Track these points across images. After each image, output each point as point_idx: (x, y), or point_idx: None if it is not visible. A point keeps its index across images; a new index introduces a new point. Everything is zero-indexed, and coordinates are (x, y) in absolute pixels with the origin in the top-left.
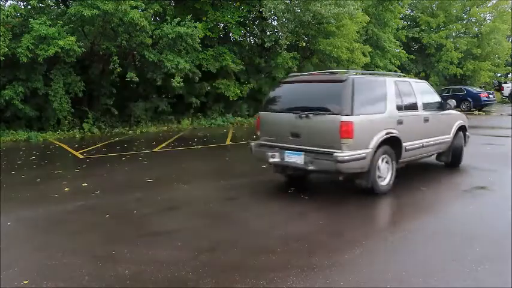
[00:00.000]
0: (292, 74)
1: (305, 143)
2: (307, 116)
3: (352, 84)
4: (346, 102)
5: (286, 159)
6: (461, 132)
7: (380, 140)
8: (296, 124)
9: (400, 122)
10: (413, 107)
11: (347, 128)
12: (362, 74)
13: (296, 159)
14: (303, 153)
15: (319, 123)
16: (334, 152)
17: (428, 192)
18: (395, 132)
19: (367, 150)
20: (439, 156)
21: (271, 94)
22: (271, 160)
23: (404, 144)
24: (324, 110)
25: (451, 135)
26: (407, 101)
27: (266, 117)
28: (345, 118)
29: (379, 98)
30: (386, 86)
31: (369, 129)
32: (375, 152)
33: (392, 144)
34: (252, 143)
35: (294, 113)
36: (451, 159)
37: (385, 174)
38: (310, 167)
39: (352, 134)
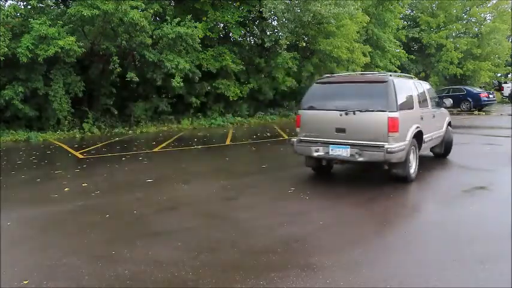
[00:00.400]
0: (327, 76)
1: (351, 137)
2: (354, 113)
3: (393, 84)
4: (391, 100)
5: (331, 152)
6: (449, 127)
7: (413, 133)
8: (341, 120)
9: (422, 118)
10: (426, 105)
11: (394, 123)
12: (395, 76)
13: (341, 152)
14: (349, 146)
15: (366, 119)
16: (384, 144)
17: (428, 192)
18: (420, 127)
19: (406, 142)
20: (432, 148)
21: (310, 94)
22: (315, 154)
23: (423, 136)
24: (371, 108)
25: (444, 129)
26: (423, 99)
27: (308, 115)
28: (391, 114)
29: (409, 96)
30: (411, 86)
31: (406, 124)
32: (410, 143)
33: (417, 137)
34: (293, 139)
35: (339, 110)
36: (443, 151)
37: (412, 163)
38: (360, 159)
39: (398, 128)
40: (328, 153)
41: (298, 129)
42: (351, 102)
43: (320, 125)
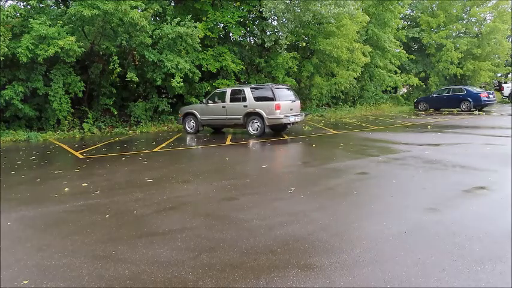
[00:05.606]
0: (272, 83)
1: (295, 112)
2: (295, 101)
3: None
4: (296, 96)
5: (290, 119)
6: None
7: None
8: (291, 105)
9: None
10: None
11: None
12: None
13: (293, 119)
14: (294, 116)
15: (298, 104)
16: (303, 113)
17: (427, 192)
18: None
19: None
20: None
21: (277, 93)
22: (289, 121)
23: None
24: (297, 99)
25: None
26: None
27: (282, 103)
28: (299, 102)
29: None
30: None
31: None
32: None
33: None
34: (278, 115)
35: (291, 101)
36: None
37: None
38: (298, 120)
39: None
40: (289, 119)
41: (277, 111)
42: (290, 97)
43: (286, 108)
